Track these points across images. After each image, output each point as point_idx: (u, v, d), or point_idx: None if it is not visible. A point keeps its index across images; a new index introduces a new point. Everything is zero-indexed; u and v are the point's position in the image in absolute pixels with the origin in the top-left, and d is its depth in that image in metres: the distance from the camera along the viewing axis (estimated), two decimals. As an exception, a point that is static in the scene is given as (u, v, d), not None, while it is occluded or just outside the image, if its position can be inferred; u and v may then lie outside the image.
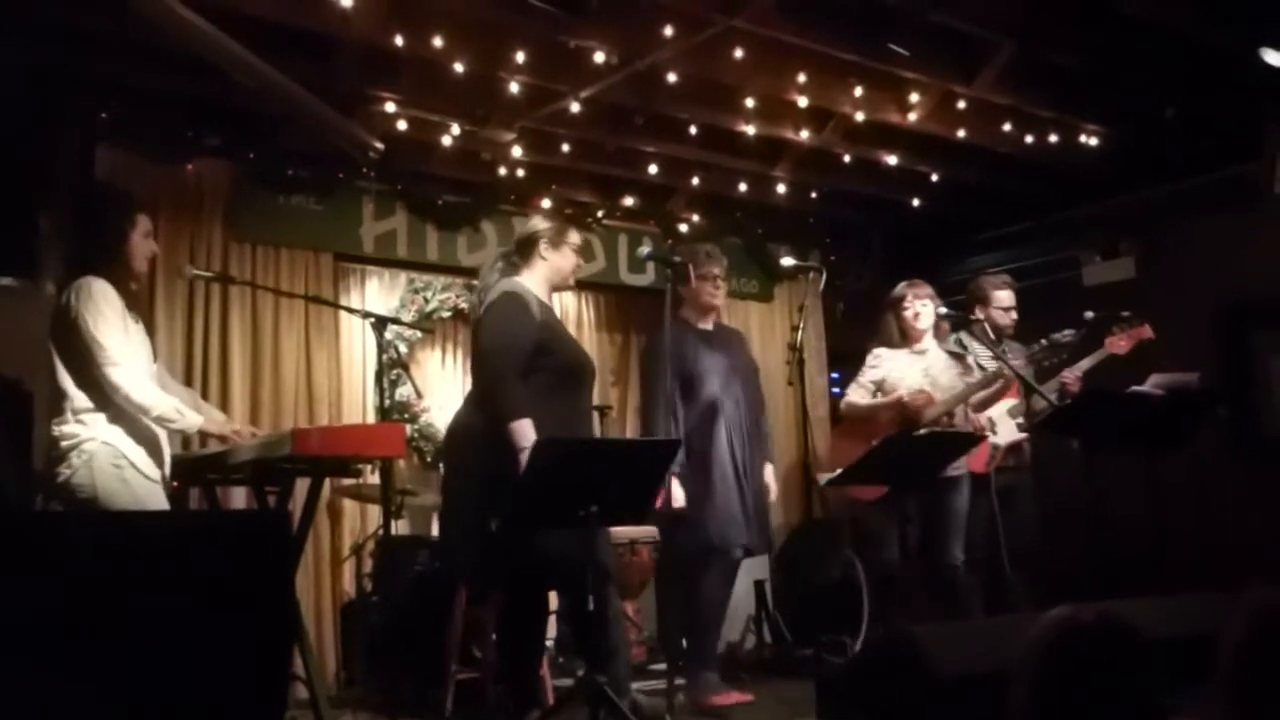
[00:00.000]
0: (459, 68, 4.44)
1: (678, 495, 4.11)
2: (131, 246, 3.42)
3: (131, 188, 4.72)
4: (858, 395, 4.50)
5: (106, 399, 3.24)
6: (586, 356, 3.81)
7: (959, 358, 4.70)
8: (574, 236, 3.82)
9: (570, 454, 3.16)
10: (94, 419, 3.23)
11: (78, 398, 3.24)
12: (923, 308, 4.55)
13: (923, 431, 4.31)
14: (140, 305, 3.66)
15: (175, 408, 3.35)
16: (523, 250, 3.74)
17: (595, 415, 4.23)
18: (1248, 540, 5.02)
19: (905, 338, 4.57)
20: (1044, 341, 4.58)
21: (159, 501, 3.32)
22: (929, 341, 4.61)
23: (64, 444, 3.21)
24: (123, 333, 3.29)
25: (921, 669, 2.41)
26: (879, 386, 4.47)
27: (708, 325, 4.50)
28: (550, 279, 3.74)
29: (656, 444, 3.71)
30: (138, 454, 3.28)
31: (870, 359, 4.56)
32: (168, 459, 3.45)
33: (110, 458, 3.21)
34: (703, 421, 4.30)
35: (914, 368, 4.50)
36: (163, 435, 3.42)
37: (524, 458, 3.33)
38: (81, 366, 3.23)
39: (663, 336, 3.98)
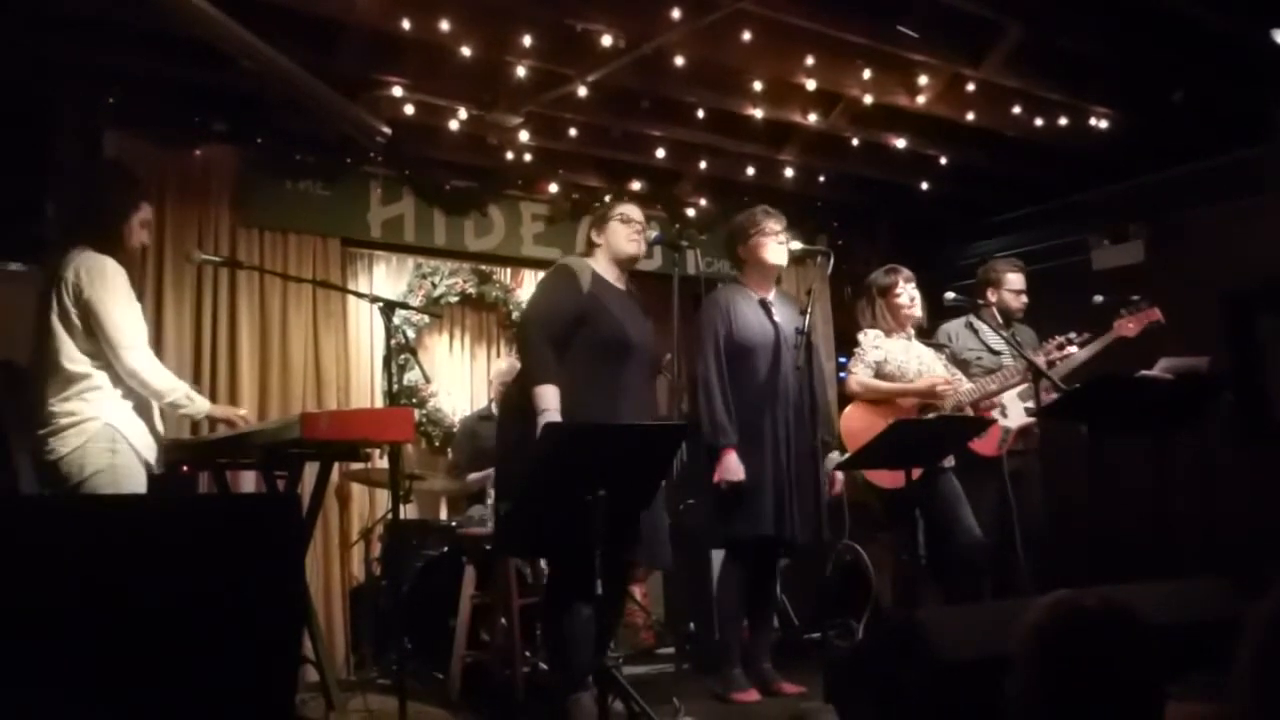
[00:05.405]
0: (465, 52, 4.43)
1: (734, 468, 3.93)
2: (129, 227, 3.39)
3: (138, 173, 4.75)
4: (867, 375, 4.43)
5: (114, 378, 3.21)
6: (634, 333, 3.71)
7: (939, 348, 4.67)
8: (619, 210, 3.86)
9: (577, 438, 3.15)
10: (96, 396, 3.19)
11: (88, 376, 3.19)
12: (915, 292, 4.50)
13: (932, 415, 4.30)
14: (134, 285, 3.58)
15: (186, 393, 3.36)
16: (587, 241, 3.94)
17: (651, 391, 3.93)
18: (1254, 525, 5.01)
19: (896, 323, 4.48)
20: (1057, 338, 4.54)
21: (139, 483, 3.26)
22: (910, 329, 4.54)
23: (62, 420, 3.16)
24: (138, 314, 3.28)
25: (928, 653, 2.42)
26: (879, 368, 4.42)
27: (767, 292, 4.25)
28: (612, 257, 3.84)
29: (664, 429, 3.69)
30: (136, 433, 3.25)
31: (868, 340, 4.48)
32: (159, 437, 3.42)
33: (107, 438, 3.17)
34: (754, 396, 4.05)
35: (909, 354, 4.46)
36: (156, 417, 3.40)
37: (543, 419, 3.39)
38: (94, 345, 3.20)
39: (709, 306, 4.11)
